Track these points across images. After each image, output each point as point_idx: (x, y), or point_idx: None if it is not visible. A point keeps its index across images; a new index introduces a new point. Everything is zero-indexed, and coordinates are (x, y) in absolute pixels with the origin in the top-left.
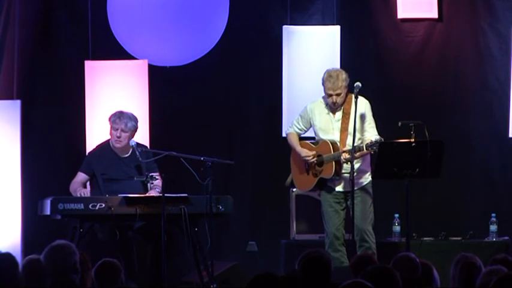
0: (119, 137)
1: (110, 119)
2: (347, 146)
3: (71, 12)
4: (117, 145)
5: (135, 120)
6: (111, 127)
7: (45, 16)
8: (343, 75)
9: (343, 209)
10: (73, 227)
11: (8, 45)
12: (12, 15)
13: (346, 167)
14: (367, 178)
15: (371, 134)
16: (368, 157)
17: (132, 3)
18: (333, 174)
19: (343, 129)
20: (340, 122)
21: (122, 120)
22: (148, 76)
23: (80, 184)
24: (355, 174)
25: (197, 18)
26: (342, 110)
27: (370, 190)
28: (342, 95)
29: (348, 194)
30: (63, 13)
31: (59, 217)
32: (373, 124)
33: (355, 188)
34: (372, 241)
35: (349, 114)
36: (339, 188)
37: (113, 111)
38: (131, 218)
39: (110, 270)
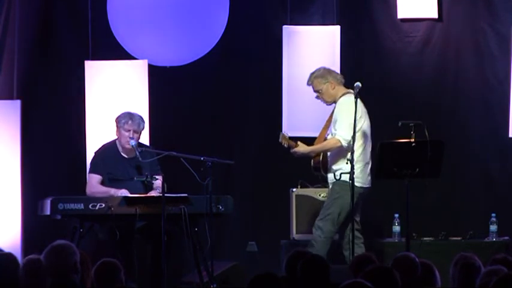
0: (131, 138)
1: (118, 120)
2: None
3: (71, 12)
4: (128, 146)
5: (144, 121)
6: (121, 128)
7: (45, 16)
8: (317, 72)
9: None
10: (73, 227)
11: (8, 45)
12: (12, 15)
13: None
14: (337, 175)
15: (336, 132)
16: (336, 156)
17: (132, 3)
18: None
19: (325, 126)
20: (326, 119)
21: (134, 121)
22: (148, 76)
23: (99, 185)
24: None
25: (197, 18)
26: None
27: (337, 188)
28: (321, 91)
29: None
30: (63, 13)
31: (59, 217)
32: (341, 125)
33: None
34: (318, 234)
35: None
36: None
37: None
38: (131, 218)
39: (109, 270)
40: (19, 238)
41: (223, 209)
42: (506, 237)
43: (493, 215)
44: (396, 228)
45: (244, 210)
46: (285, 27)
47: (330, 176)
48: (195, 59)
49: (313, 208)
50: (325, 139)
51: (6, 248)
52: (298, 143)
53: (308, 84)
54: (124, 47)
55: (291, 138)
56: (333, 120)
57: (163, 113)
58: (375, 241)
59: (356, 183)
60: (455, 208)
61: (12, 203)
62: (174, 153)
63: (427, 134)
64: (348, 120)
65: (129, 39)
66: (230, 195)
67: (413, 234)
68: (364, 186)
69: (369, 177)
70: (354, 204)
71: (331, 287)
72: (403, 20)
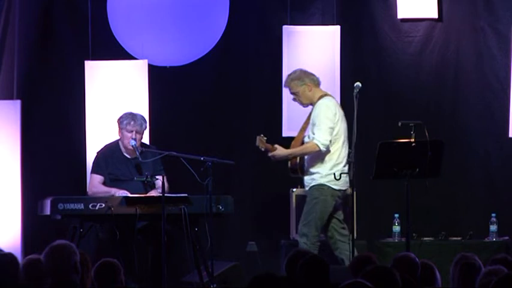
0: (134, 139)
1: (120, 121)
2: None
3: (71, 12)
4: (130, 147)
5: (146, 121)
6: (124, 129)
7: (45, 16)
8: (293, 74)
9: None
10: (73, 227)
11: (8, 45)
12: (12, 15)
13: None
14: (314, 180)
15: (314, 137)
16: (313, 159)
17: (132, 3)
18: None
19: (303, 129)
20: (304, 121)
21: (136, 122)
22: (148, 76)
23: (101, 185)
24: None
25: (197, 18)
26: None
27: (316, 192)
28: (298, 93)
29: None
30: (63, 13)
31: (59, 217)
32: (319, 129)
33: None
34: (304, 242)
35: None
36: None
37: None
38: (131, 218)
39: (109, 270)
40: (19, 238)
41: (223, 209)
42: (506, 237)
43: (493, 215)
44: (396, 228)
45: (244, 210)
46: (285, 27)
47: (307, 178)
48: (195, 59)
49: None
50: (303, 142)
51: (6, 248)
52: (276, 146)
53: (285, 86)
54: (124, 47)
55: (290, 138)
56: (310, 123)
57: (163, 113)
58: (375, 241)
59: (334, 186)
60: (455, 208)
61: (12, 203)
62: (174, 153)
63: (427, 134)
64: (325, 124)
65: (129, 39)
66: (230, 195)
67: (413, 234)
68: (342, 189)
69: (347, 178)
70: (354, 205)
71: (331, 287)
72: (403, 20)
